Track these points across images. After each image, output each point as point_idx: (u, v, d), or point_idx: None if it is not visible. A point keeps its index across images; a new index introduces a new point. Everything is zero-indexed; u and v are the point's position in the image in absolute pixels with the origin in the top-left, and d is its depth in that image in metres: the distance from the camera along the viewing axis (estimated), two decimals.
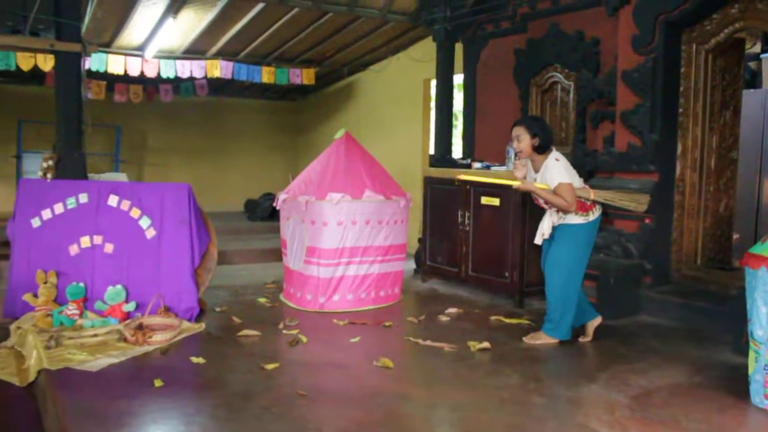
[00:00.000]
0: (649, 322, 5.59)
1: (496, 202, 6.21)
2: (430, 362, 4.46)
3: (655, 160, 5.83)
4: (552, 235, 4.86)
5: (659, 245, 5.95)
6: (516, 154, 4.86)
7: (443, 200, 6.91)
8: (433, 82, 9.56)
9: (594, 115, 6.65)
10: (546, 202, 4.78)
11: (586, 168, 6.54)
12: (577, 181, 4.73)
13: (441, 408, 3.67)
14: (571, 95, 7.05)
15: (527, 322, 5.51)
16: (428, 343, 4.82)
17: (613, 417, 3.50)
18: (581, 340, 4.96)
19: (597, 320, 5.04)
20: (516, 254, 6.02)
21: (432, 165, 7.64)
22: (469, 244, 6.56)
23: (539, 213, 5.82)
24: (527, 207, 5.94)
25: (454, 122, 8.56)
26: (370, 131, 11.10)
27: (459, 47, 8.22)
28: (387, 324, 5.40)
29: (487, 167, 6.52)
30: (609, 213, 6.15)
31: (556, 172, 4.64)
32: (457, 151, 8.97)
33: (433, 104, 9.84)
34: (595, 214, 4.79)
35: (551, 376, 4.21)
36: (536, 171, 4.82)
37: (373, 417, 3.47)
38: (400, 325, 5.44)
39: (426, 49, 9.58)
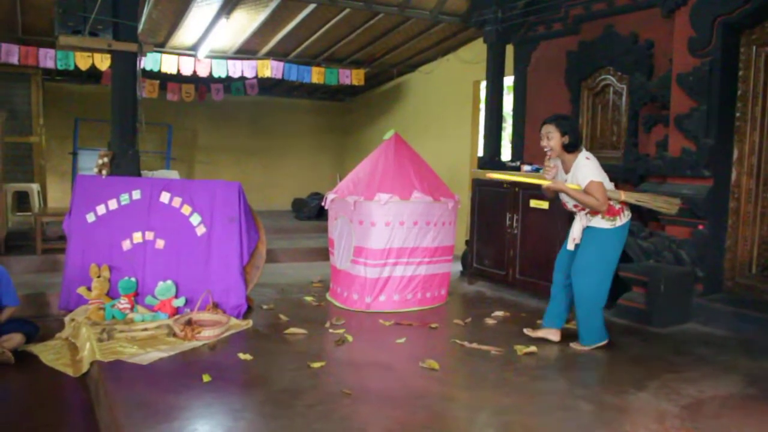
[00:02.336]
0: (699, 330, 5.46)
1: (545, 205, 6.15)
2: (475, 365, 4.43)
3: (710, 166, 5.70)
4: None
5: (712, 252, 5.81)
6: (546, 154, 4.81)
7: (491, 203, 6.87)
8: (483, 84, 9.53)
9: (647, 119, 6.54)
10: (575, 205, 4.73)
11: (638, 172, 6.44)
12: (607, 183, 4.66)
13: (486, 411, 3.64)
14: (624, 98, 6.93)
15: (574, 327, 5.42)
16: (474, 345, 4.80)
17: (663, 427, 3.43)
18: (526, 330, 5.03)
19: (554, 333, 4.98)
20: None
21: (481, 167, 7.60)
22: (516, 247, 6.51)
23: None
24: None
25: (504, 125, 8.49)
26: (419, 132, 11.10)
27: (509, 49, 8.16)
28: (433, 326, 5.39)
29: (537, 170, 6.46)
30: (660, 219, 6.06)
31: (588, 170, 4.59)
32: (506, 154, 8.91)
33: (482, 106, 9.81)
34: (622, 219, 4.70)
35: (599, 383, 4.15)
36: (566, 172, 4.76)
37: (417, 418, 3.46)
38: (446, 327, 5.42)
39: (476, 51, 9.56)
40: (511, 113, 8.59)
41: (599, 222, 4.67)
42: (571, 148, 4.67)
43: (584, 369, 4.43)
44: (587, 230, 4.74)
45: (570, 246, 4.85)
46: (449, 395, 3.85)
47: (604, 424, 3.45)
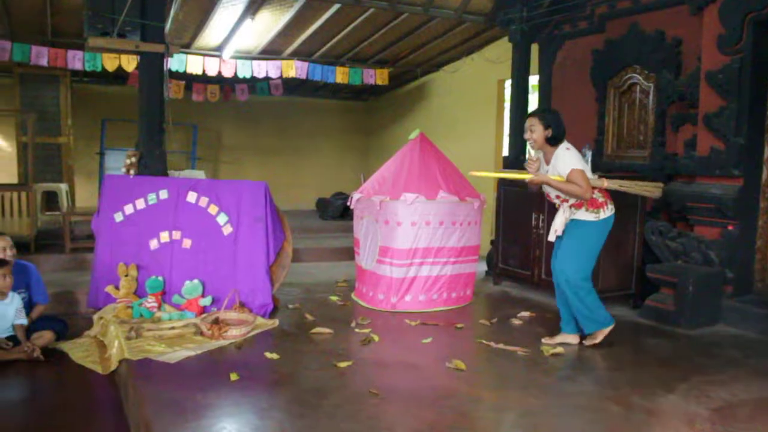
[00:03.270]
0: (729, 332, 5.39)
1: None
2: (502, 366, 4.42)
3: (740, 165, 5.62)
4: (563, 233, 4.80)
5: (742, 253, 5.73)
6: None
7: (517, 202, 6.83)
8: (508, 83, 9.48)
9: (675, 118, 6.47)
10: (557, 197, 4.74)
11: (665, 172, 6.38)
12: (588, 173, 4.65)
13: (514, 413, 3.62)
14: (651, 97, 6.87)
15: None
16: (501, 346, 4.78)
17: (693, 430, 3.39)
18: (544, 340, 4.91)
19: (573, 338, 4.92)
20: None
21: (506, 167, 7.57)
22: (542, 247, 6.46)
23: (617, 217, 5.70)
24: None
25: None
26: (443, 132, 11.07)
27: (534, 48, 8.12)
28: (459, 326, 5.38)
29: None
30: (689, 219, 5.99)
31: (568, 159, 4.59)
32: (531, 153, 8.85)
33: (507, 105, 9.77)
34: (606, 212, 4.67)
35: (627, 385, 4.09)
36: (548, 164, 4.76)
37: (445, 419, 3.45)
38: (472, 328, 5.40)
39: (500, 50, 9.52)
40: None
41: (583, 215, 4.66)
42: (554, 141, 4.69)
43: (612, 370, 4.39)
44: (571, 223, 4.73)
45: (551, 237, 4.85)
46: (476, 396, 3.83)
47: (634, 426, 3.42)
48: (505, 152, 8.74)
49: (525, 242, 6.68)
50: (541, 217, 6.45)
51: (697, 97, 6.06)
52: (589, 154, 6.17)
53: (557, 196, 4.75)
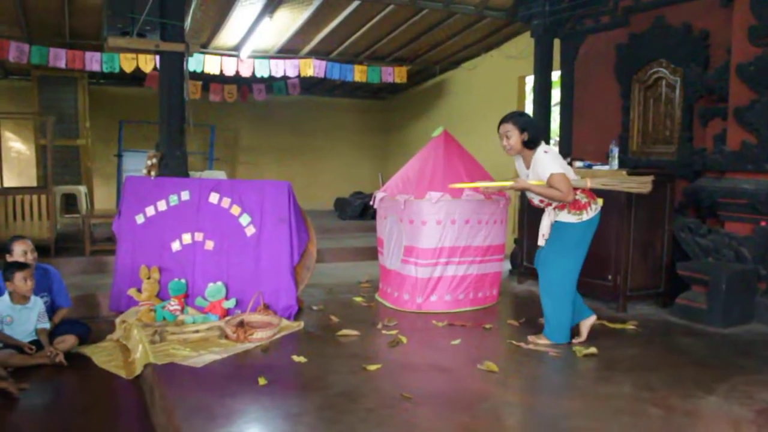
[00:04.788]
0: (764, 331, 5.26)
1: (599, 202, 5.97)
2: (535, 367, 4.31)
3: None
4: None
5: None
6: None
7: None
8: (528, 79, 9.36)
9: (703, 112, 6.34)
10: (541, 201, 4.67)
11: (694, 167, 6.25)
12: (570, 173, 4.57)
13: (551, 416, 3.51)
14: (677, 91, 6.73)
15: (632, 327, 5.28)
16: (531, 347, 4.68)
17: None
18: (575, 341, 4.77)
19: (591, 319, 4.86)
20: (620, 257, 5.78)
21: None
22: None
23: (645, 215, 5.61)
24: (632, 208, 5.71)
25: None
26: (462, 130, 10.89)
27: (555, 43, 7.99)
28: (487, 326, 5.28)
29: (589, 166, 6.28)
30: (720, 215, 5.87)
31: (547, 163, 4.50)
32: None
33: (527, 102, 9.65)
34: (589, 213, 4.58)
35: (665, 386, 3.96)
36: (528, 168, 4.69)
37: (481, 423, 3.35)
38: (501, 328, 5.30)
39: (521, 46, 9.41)
40: (558, 109, 8.43)
41: (566, 216, 4.58)
42: (531, 144, 4.60)
43: (647, 371, 4.25)
44: (555, 225, 4.68)
45: (540, 242, 4.79)
46: (511, 399, 3.74)
47: (676, 429, 3.31)
48: None
49: None
50: None
51: (726, 90, 5.94)
52: (615, 150, 6.06)
53: (540, 200, 4.68)
